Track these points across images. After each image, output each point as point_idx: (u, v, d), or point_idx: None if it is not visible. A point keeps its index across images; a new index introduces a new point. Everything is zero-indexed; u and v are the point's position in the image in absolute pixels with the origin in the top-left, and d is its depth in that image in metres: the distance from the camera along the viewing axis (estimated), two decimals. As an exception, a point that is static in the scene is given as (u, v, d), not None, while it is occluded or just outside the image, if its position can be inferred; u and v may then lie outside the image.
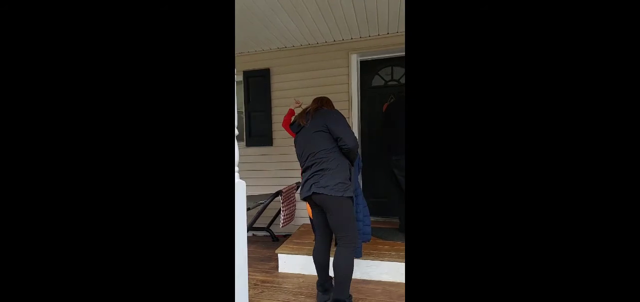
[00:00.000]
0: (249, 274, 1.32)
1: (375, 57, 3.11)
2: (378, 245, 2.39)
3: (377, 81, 3.20)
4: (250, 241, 3.16)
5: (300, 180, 2.84)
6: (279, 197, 2.58)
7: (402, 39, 2.81)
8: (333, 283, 1.76)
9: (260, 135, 3.37)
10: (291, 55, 3.19)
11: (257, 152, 3.38)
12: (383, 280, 2.15)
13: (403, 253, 2.18)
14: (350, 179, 1.71)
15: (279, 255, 2.41)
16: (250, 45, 3.11)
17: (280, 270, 2.40)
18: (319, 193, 1.63)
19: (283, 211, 2.52)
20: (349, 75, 3.04)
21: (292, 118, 2.01)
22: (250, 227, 2.90)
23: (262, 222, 3.18)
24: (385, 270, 2.14)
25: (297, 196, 2.95)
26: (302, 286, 2.14)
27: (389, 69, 3.15)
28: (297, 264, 2.36)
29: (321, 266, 1.81)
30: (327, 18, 2.52)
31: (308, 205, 2.01)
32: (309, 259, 2.25)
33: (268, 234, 3.25)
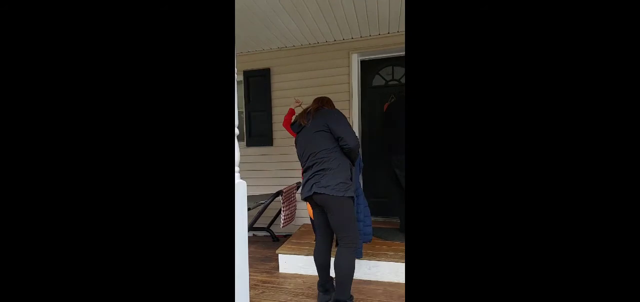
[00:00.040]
0: (249, 275, 1.32)
1: (375, 56, 3.10)
2: (379, 245, 2.38)
3: (377, 81, 3.20)
4: (251, 241, 3.16)
5: (300, 180, 2.83)
6: (280, 197, 2.58)
7: (403, 39, 2.81)
8: (334, 284, 1.76)
9: (260, 135, 3.37)
10: (291, 55, 3.19)
11: (258, 152, 3.37)
12: (384, 280, 2.14)
13: (404, 253, 2.17)
14: (351, 179, 1.70)
15: (279, 255, 2.41)
16: (251, 44, 3.11)
17: (280, 270, 2.40)
18: (320, 193, 1.63)
19: (283, 211, 2.51)
20: (349, 75, 3.04)
21: (293, 118, 2.01)
22: (250, 227, 2.90)
23: (262, 222, 3.18)
24: (386, 270, 2.14)
25: (298, 196, 2.95)
26: (303, 286, 2.13)
27: (389, 69, 3.14)
28: (297, 264, 2.35)
29: (322, 267, 1.80)
30: (328, 17, 2.51)
31: (309, 205, 2.00)
32: (310, 260, 2.24)
33: (268, 234, 3.25)
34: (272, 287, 2.14)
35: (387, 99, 2.94)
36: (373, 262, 2.16)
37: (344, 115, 1.74)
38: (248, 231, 1.50)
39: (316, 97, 1.91)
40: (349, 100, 3.04)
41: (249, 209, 2.09)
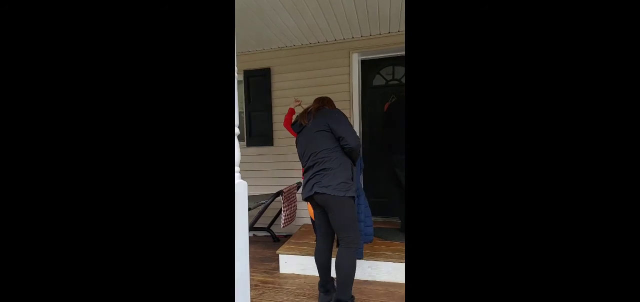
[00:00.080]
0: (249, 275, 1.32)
1: (376, 56, 3.09)
2: (379, 245, 2.38)
3: (378, 81, 3.19)
4: (251, 241, 3.15)
5: (301, 180, 2.82)
6: (280, 198, 2.57)
7: (404, 38, 2.79)
8: (335, 284, 1.75)
9: (260, 135, 3.36)
10: (292, 55, 3.18)
11: (258, 152, 3.37)
12: (385, 281, 2.13)
13: (404, 253, 2.17)
14: (352, 179, 1.70)
15: (280, 255, 2.40)
16: (251, 44, 3.10)
17: (281, 271, 2.39)
18: (321, 193, 1.62)
19: (284, 211, 2.51)
20: (350, 74, 3.03)
21: (294, 118, 2.00)
22: (251, 228, 2.89)
23: (262, 222, 3.18)
24: (387, 271, 2.13)
25: (298, 196, 2.94)
26: (304, 286, 2.13)
27: (390, 68, 3.14)
28: (298, 264, 2.35)
29: (323, 267, 1.80)
30: (328, 17, 2.51)
31: (309, 205, 2.00)
32: (310, 260, 2.24)
33: (269, 234, 3.24)
34: (273, 287, 2.14)
35: (387, 98, 2.93)
36: (374, 263, 2.16)
37: (344, 115, 1.73)
38: (248, 231, 1.49)
39: (317, 97, 1.90)
40: (350, 100, 3.04)
41: (249, 209, 2.09)
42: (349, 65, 3.03)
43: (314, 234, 2.54)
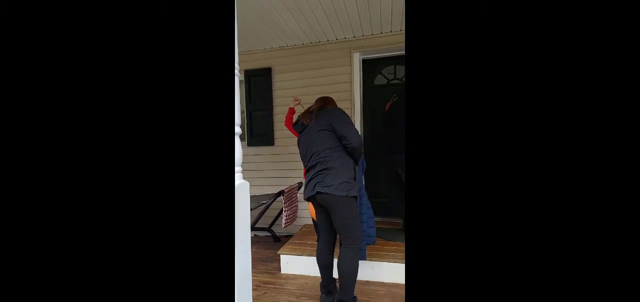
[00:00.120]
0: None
1: (377, 55, 3.08)
2: (381, 246, 2.37)
3: (379, 80, 3.18)
4: (252, 241, 3.14)
5: (302, 180, 2.80)
6: (281, 198, 2.56)
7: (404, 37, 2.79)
8: (337, 285, 1.74)
9: (261, 135, 3.35)
10: (293, 54, 3.17)
11: (259, 152, 3.36)
12: (386, 281, 2.12)
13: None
14: (354, 179, 1.69)
15: (281, 256, 2.39)
16: (252, 43, 3.09)
17: (282, 271, 2.38)
18: (323, 192, 1.61)
19: (285, 211, 2.50)
20: (351, 74, 3.02)
21: (296, 117, 1.99)
22: (252, 228, 2.89)
23: (263, 222, 3.17)
24: (388, 271, 2.12)
25: (299, 196, 2.93)
26: (305, 287, 2.12)
27: (391, 68, 3.13)
28: (299, 265, 2.34)
29: (325, 267, 1.78)
30: (330, 16, 2.49)
31: (311, 205, 1.98)
32: (312, 260, 2.23)
33: (270, 234, 3.23)
34: (274, 288, 2.13)
35: (389, 98, 2.92)
36: (375, 263, 2.15)
37: (347, 114, 1.72)
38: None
39: (319, 97, 1.90)
40: (351, 100, 3.03)
41: (250, 210, 2.08)
42: (350, 65, 3.02)
43: (315, 235, 2.53)
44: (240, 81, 3.34)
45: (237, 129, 0.94)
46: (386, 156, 2.66)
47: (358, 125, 3.03)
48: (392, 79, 3.13)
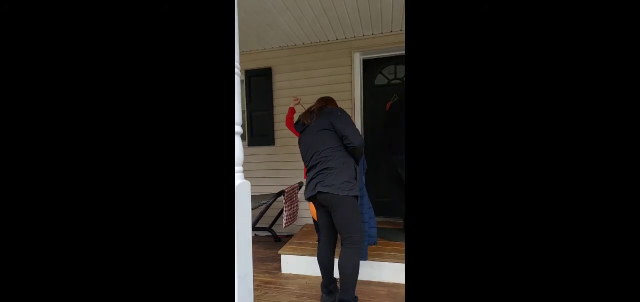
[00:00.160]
0: (251, 276, 1.31)
1: (378, 55, 3.08)
2: (382, 246, 2.37)
3: (380, 80, 3.18)
4: (252, 241, 3.14)
5: (302, 180, 2.80)
6: (282, 197, 2.56)
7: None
8: (338, 285, 1.74)
9: (262, 135, 3.35)
10: (293, 54, 3.17)
11: (259, 152, 3.36)
12: (387, 281, 2.12)
13: (407, 254, 2.16)
14: (355, 178, 1.68)
15: (281, 256, 2.39)
16: (252, 43, 3.09)
17: (283, 271, 2.38)
18: (324, 192, 1.61)
19: (285, 211, 2.50)
20: (351, 74, 3.02)
21: (296, 117, 1.99)
22: (252, 228, 2.88)
23: (264, 222, 3.17)
24: (389, 271, 2.12)
25: (300, 195, 2.93)
26: (306, 287, 2.12)
27: (392, 68, 3.12)
28: (300, 265, 2.34)
29: (325, 267, 1.78)
30: (330, 16, 2.49)
31: (312, 205, 1.98)
32: (312, 260, 2.23)
33: (270, 234, 3.23)
34: (275, 288, 2.13)
35: (389, 98, 2.92)
36: (376, 263, 2.14)
37: (347, 114, 1.72)
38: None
39: (319, 97, 1.90)
40: (351, 100, 3.03)
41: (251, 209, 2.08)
42: (351, 65, 3.02)
43: (316, 234, 2.54)
44: (241, 81, 3.35)
45: (238, 129, 0.94)
46: (387, 156, 2.66)
47: (358, 125, 3.03)
48: (392, 79, 3.13)
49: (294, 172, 3.21)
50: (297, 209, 2.81)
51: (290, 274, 2.35)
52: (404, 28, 2.78)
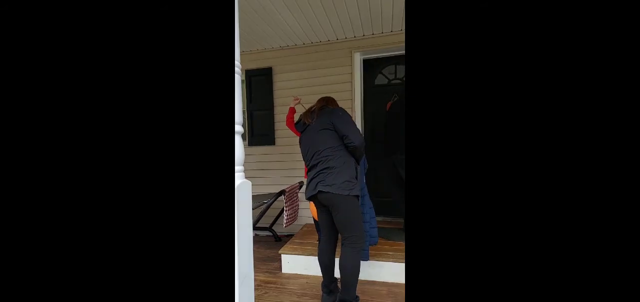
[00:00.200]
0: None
1: (378, 55, 3.08)
2: (383, 245, 2.37)
3: (380, 80, 3.18)
4: (253, 240, 3.14)
5: (303, 179, 2.80)
6: (282, 197, 2.56)
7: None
8: (339, 284, 1.74)
9: (262, 135, 3.35)
10: (294, 54, 3.17)
11: (260, 152, 3.36)
12: (388, 281, 2.12)
13: (408, 253, 2.16)
14: (356, 178, 1.68)
15: (282, 255, 2.39)
16: (253, 43, 3.09)
17: (283, 271, 2.38)
18: (324, 191, 1.61)
19: (286, 210, 2.50)
20: (352, 73, 3.02)
21: (297, 116, 1.99)
22: (253, 227, 2.89)
23: (264, 222, 3.17)
24: (390, 271, 2.12)
25: (301, 195, 2.93)
26: (306, 287, 2.12)
27: (392, 68, 3.12)
28: (301, 264, 2.34)
29: (326, 267, 1.79)
30: (331, 16, 2.49)
31: (312, 205, 1.99)
32: (313, 260, 2.23)
33: (271, 234, 3.23)
34: (275, 287, 2.13)
35: (389, 98, 2.91)
36: (377, 263, 2.15)
37: (348, 114, 1.72)
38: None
39: (320, 96, 1.90)
40: (352, 99, 3.03)
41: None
42: (351, 65, 3.02)
43: (317, 234, 2.54)
44: (242, 81, 3.35)
45: (239, 128, 0.94)
46: (387, 156, 2.66)
47: (359, 125, 3.03)
48: (392, 79, 3.13)
49: (294, 172, 3.21)
50: (298, 209, 2.81)
51: (291, 273, 2.35)
52: (404, 28, 2.78)
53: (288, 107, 2.56)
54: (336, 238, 1.80)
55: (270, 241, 3.15)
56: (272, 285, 2.17)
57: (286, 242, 2.59)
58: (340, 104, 1.99)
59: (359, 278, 1.73)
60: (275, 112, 3.28)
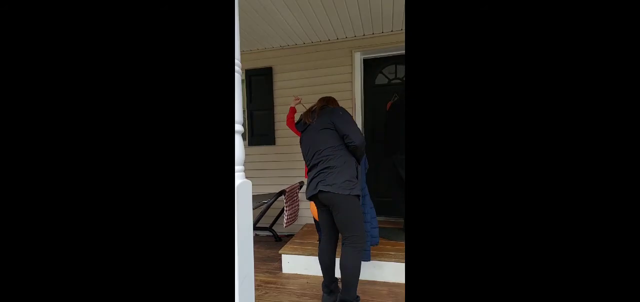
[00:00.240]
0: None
1: (378, 55, 3.08)
2: (383, 245, 2.37)
3: (380, 80, 3.17)
4: (253, 241, 3.14)
5: (303, 179, 2.80)
6: (282, 197, 2.56)
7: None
8: (339, 284, 1.74)
9: (262, 135, 3.35)
10: (294, 54, 3.17)
11: (260, 152, 3.36)
12: (389, 281, 2.12)
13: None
14: (356, 177, 1.68)
15: (282, 255, 2.39)
16: (253, 43, 3.09)
17: (283, 271, 2.38)
18: (325, 191, 1.61)
19: (286, 210, 2.50)
20: (352, 73, 3.02)
21: (298, 116, 1.99)
22: (253, 227, 2.89)
23: (264, 222, 3.17)
24: (390, 271, 2.12)
25: (301, 195, 2.93)
26: (307, 287, 2.12)
27: (392, 67, 3.12)
28: (301, 264, 2.34)
29: (327, 267, 1.78)
30: (331, 15, 2.49)
31: (312, 204, 1.98)
32: (313, 260, 2.23)
33: (271, 234, 3.23)
34: (275, 287, 2.13)
35: (390, 97, 2.91)
36: (378, 262, 2.14)
37: (349, 113, 1.72)
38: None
39: (320, 96, 1.90)
40: (352, 99, 3.02)
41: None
42: (351, 64, 3.01)
43: (317, 234, 2.54)
44: (242, 80, 3.35)
45: (239, 128, 0.94)
46: (387, 156, 2.66)
47: (359, 124, 3.03)
48: (393, 79, 3.13)
49: (294, 172, 3.21)
50: (298, 209, 2.81)
51: (291, 273, 2.35)
52: (404, 27, 2.78)
53: (288, 106, 2.56)
54: (337, 238, 1.80)
55: (271, 241, 3.15)
56: (272, 285, 2.17)
57: (286, 242, 2.59)
58: (341, 103, 1.99)
59: (360, 278, 1.73)
60: (275, 112, 3.28)
